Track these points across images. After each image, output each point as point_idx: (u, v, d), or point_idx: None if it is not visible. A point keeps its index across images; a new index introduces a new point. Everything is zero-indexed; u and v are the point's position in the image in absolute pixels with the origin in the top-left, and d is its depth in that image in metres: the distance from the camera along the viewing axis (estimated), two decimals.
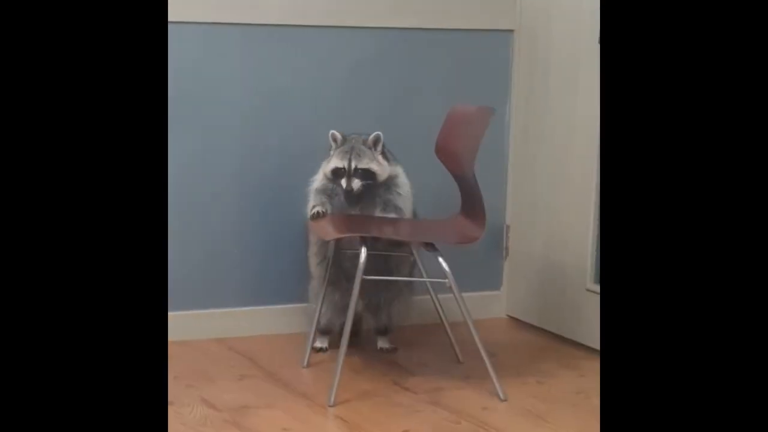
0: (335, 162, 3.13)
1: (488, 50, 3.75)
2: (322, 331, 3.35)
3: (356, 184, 3.09)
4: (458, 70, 3.71)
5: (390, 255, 3.16)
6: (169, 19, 2.85)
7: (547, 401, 3.03)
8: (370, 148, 3.14)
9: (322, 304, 3.26)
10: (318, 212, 3.11)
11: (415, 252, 3.16)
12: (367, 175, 3.11)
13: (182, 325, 3.43)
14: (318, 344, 3.35)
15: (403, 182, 3.21)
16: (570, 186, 3.54)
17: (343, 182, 3.10)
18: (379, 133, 3.17)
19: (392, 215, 3.14)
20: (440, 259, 3.01)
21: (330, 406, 2.93)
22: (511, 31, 3.75)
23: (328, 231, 3.07)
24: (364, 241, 2.98)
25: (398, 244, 3.12)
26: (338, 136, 3.15)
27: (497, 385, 3.02)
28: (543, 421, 2.88)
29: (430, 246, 3.06)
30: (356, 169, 3.10)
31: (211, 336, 3.51)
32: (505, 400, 3.01)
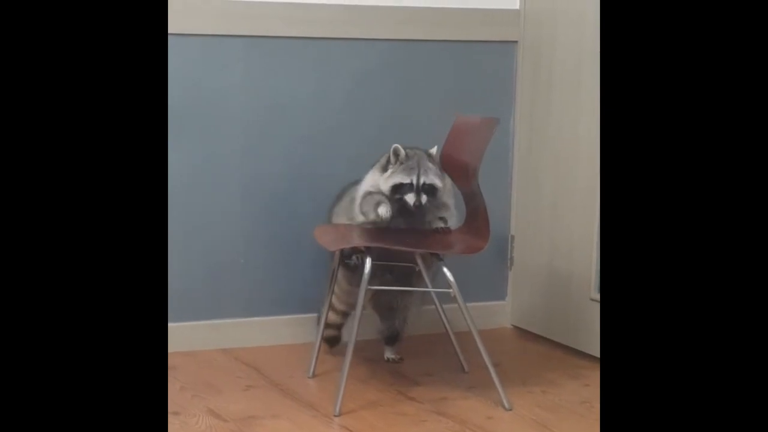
0: (400, 178, 3.07)
1: (492, 61, 3.76)
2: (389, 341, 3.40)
3: (424, 199, 3.06)
4: (462, 82, 3.72)
5: (411, 265, 3.17)
6: (172, 31, 2.87)
7: (551, 411, 3.03)
8: (434, 164, 3.11)
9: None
10: (387, 212, 3.06)
11: (420, 262, 3.17)
12: (431, 190, 3.08)
13: (187, 335, 3.44)
14: (388, 355, 3.42)
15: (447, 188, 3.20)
16: (574, 196, 3.54)
17: (410, 198, 3.05)
18: (437, 146, 3.15)
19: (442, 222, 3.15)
20: (445, 270, 3.02)
21: (335, 416, 2.94)
22: (515, 42, 3.76)
23: (332, 241, 3.08)
24: (368, 251, 2.99)
25: (403, 255, 3.13)
26: (402, 151, 3.08)
27: (502, 394, 3.03)
28: (548, 431, 2.89)
29: (435, 256, 3.07)
30: (424, 184, 3.07)
31: (216, 346, 3.51)
32: (510, 410, 3.02)
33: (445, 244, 3.08)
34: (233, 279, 3.55)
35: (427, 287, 3.20)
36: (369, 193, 3.13)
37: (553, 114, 3.62)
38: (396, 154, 3.08)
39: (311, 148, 3.56)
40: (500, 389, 3.03)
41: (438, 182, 3.09)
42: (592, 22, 3.39)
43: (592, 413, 3.01)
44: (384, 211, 3.05)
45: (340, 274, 3.27)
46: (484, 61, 3.75)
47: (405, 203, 3.06)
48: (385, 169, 3.11)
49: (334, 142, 3.58)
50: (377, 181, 3.13)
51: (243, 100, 3.48)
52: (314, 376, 3.28)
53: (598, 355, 3.42)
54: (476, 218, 3.10)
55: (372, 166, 3.19)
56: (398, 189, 3.07)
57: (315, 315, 3.44)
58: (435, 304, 3.35)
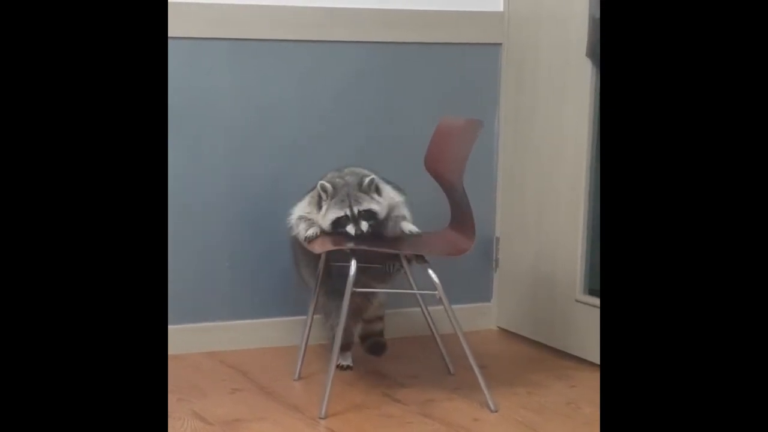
0: (335, 212, 3.05)
1: (476, 63, 3.76)
2: (344, 347, 3.32)
3: (365, 225, 3.03)
4: (447, 84, 3.73)
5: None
6: None
7: (537, 412, 3.04)
8: (365, 192, 3.08)
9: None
10: (314, 234, 3.07)
11: (405, 264, 3.17)
12: (370, 215, 3.06)
13: (173, 338, 3.41)
14: (342, 361, 3.34)
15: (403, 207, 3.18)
16: (559, 197, 3.55)
17: (350, 229, 3.03)
18: (373, 176, 3.11)
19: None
20: (430, 272, 3.02)
21: (321, 419, 2.94)
22: (499, 44, 3.76)
23: (319, 244, 3.08)
24: (353, 253, 2.99)
25: (388, 257, 3.13)
26: (328, 186, 3.06)
27: (488, 396, 3.03)
28: None
29: (420, 258, 3.07)
30: (359, 212, 3.05)
31: (202, 350, 3.51)
32: (496, 411, 3.02)
33: (430, 245, 3.09)
34: (218, 282, 3.55)
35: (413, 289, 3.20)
36: (301, 218, 3.14)
37: (538, 116, 3.63)
38: (324, 190, 3.07)
39: (297, 150, 3.56)
40: (486, 391, 3.03)
41: (374, 206, 3.06)
42: (576, 23, 3.40)
43: (578, 414, 3.02)
44: (312, 232, 3.07)
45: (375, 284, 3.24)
46: (469, 64, 3.75)
47: (347, 235, 3.04)
48: (319, 206, 3.09)
49: (319, 144, 3.59)
50: (310, 212, 3.12)
51: (229, 102, 3.48)
52: (300, 378, 3.28)
53: (584, 356, 3.44)
54: (461, 220, 3.11)
55: (304, 195, 3.18)
56: (337, 223, 3.05)
57: (301, 318, 3.43)
58: (420, 306, 3.35)
